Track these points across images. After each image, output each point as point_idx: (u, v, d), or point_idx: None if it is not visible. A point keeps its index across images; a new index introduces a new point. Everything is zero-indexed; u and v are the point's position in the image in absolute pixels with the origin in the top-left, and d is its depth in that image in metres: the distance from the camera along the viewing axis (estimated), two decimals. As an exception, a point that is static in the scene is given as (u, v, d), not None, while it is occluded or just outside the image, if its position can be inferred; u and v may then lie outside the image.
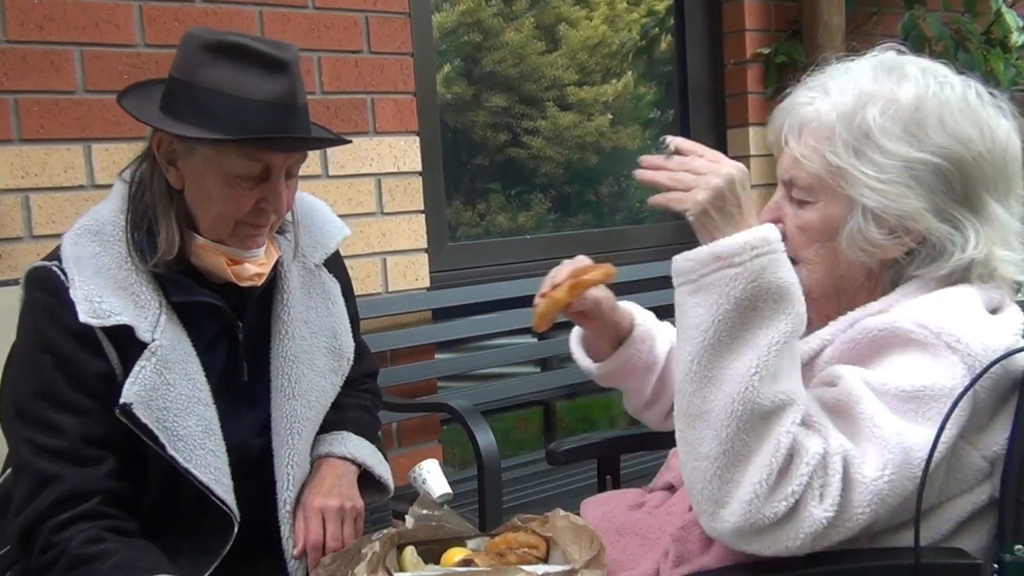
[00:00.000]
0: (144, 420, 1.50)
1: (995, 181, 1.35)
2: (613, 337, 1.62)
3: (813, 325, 1.40)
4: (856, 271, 1.39)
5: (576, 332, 1.68)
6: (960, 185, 1.33)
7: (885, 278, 1.39)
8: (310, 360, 1.70)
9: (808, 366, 1.35)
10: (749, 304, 1.19)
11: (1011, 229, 1.37)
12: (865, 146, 1.33)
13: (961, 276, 1.35)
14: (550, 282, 1.48)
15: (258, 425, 1.67)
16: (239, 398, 1.65)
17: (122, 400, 1.49)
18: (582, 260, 1.52)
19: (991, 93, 1.40)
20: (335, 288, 1.78)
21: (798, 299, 1.23)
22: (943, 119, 1.33)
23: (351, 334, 1.79)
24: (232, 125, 1.46)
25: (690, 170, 1.25)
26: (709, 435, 1.21)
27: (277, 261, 1.67)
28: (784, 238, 1.41)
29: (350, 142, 1.71)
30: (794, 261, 1.32)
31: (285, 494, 1.65)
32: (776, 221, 1.41)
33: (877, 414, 1.22)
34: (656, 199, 1.27)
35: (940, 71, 1.39)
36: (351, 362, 1.78)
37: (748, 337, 1.20)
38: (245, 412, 1.66)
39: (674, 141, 1.29)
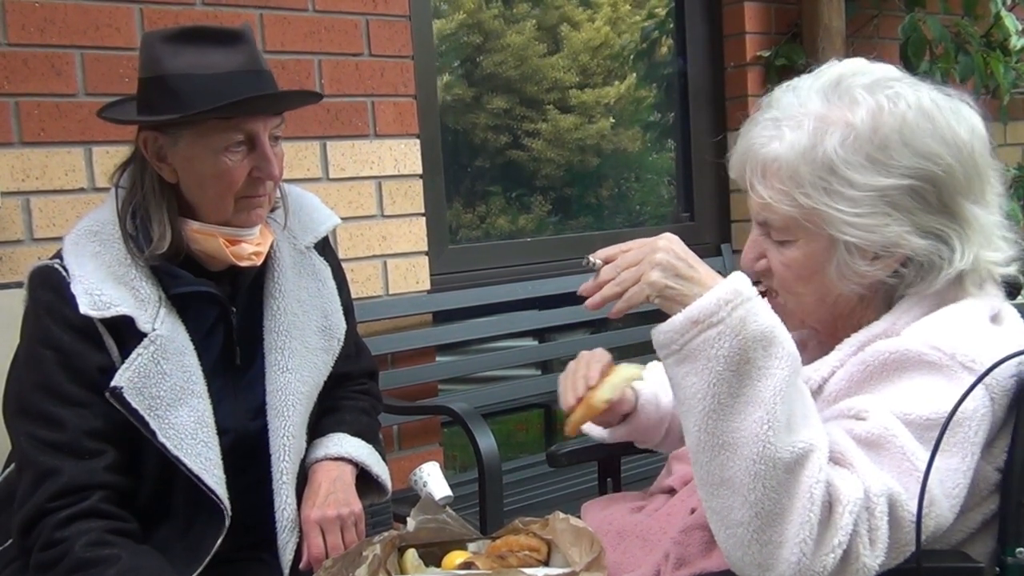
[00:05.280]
0: (135, 405, 1.52)
1: (969, 185, 1.32)
2: (621, 412, 1.62)
3: (821, 351, 1.40)
4: (848, 297, 1.38)
5: None
6: (936, 198, 1.30)
7: (878, 299, 1.38)
8: (302, 336, 1.73)
9: (818, 392, 1.33)
10: (740, 359, 1.14)
11: (993, 226, 1.35)
12: (833, 182, 1.29)
13: (958, 288, 1.33)
14: (583, 384, 1.43)
15: (254, 409, 1.69)
16: (234, 383, 1.68)
17: (113, 383, 1.52)
18: (604, 355, 1.49)
19: (944, 92, 1.35)
20: (325, 270, 1.81)
21: (786, 338, 1.18)
22: (905, 139, 1.28)
23: (342, 316, 1.81)
24: (206, 100, 1.50)
25: (627, 266, 1.24)
26: (737, 502, 1.16)
27: (271, 244, 1.70)
28: (771, 273, 1.40)
29: (321, 96, 1.75)
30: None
31: (282, 464, 1.66)
32: (760, 257, 1.41)
33: (913, 448, 1.19)
34: (617, 308, 1.24)
35: (887, 81, 1.33)
36: (341, 343, 1.80)
37: (750, 393, 1.15)
38: (241, 396, 1.68)
39: (596, 256, 1.27)
